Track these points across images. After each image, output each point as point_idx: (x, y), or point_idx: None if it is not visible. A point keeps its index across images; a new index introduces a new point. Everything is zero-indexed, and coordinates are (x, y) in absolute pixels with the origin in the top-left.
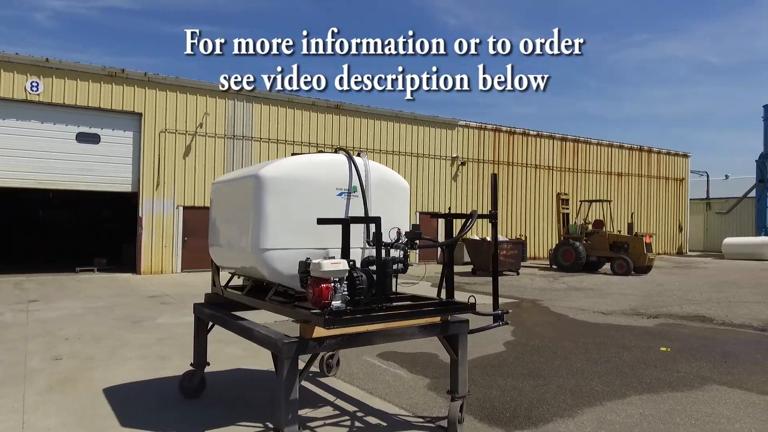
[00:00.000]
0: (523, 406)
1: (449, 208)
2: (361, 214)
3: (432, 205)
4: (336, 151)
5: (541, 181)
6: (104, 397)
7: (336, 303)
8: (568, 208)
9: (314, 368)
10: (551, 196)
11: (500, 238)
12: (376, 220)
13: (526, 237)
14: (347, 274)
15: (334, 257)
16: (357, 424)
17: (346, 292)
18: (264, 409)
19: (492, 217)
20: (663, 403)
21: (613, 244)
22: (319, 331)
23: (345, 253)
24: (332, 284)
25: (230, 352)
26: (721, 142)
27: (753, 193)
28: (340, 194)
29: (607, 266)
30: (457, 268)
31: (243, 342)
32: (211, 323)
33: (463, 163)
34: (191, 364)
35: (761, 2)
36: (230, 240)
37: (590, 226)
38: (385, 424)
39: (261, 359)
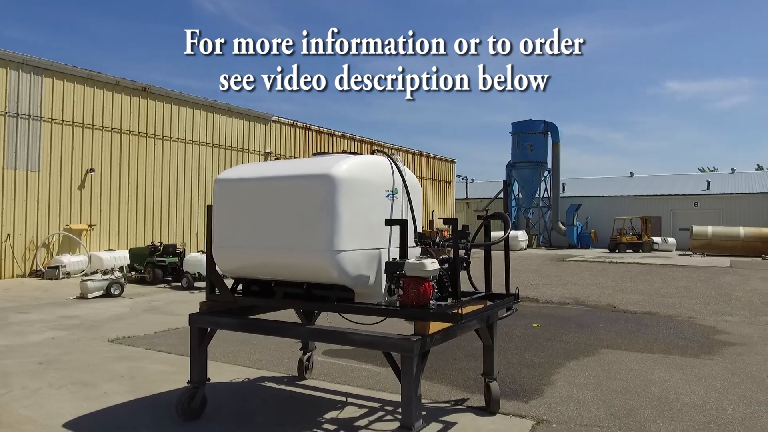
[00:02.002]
0: (508, 382)
1: None
2: (399, 215)
3: None
4: (373, 153)
5: None
6: None
7: (431, 301)
8: None
9: (281, 373)
10: None
11: None
12: (453, 222)
13: None
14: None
15: (424, 258)
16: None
17: (436, 290)
18: (282, 419)
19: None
20: (593, 366)
21: None
22: (434, 327)
23: (403, 253)
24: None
25: (157, 368)
26: (451, 149)
27: (502, 195)
28: (388, 196)
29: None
30: None
31: (159, 356)
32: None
33: (276, 159)
34: (190, 382)
35: (481, 33)
36: (274, 242)
37: None
38: (424, 412)
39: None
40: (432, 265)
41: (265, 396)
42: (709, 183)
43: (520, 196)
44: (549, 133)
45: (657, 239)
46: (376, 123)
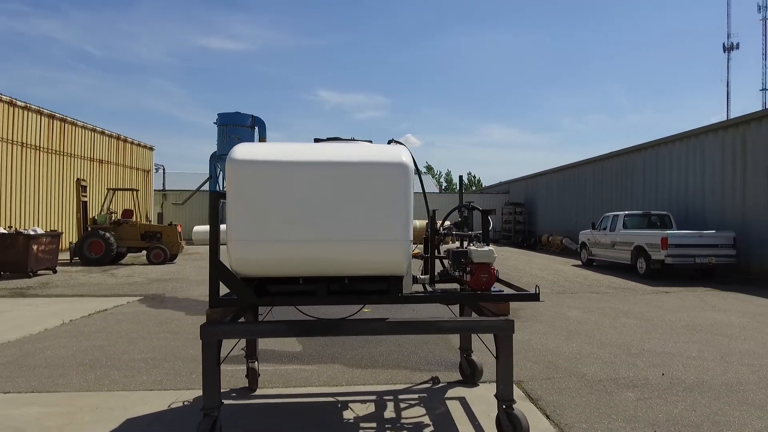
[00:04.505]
0: (438, 358)
1: None
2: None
3: None
4: (389, 143)
5: (26, 160)
6: None
7: None
8: (86, 196)
9: (230, 386)
10: (47, 178)
11: (36, 230)
12: (490, 212)
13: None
14: None
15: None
16: (407, 400)
17: None
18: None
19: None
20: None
21: (145, 234)
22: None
23: (432, 242)
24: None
25: (38, 412)
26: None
27: (206, 187)
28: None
29: (130, 256)
30: None
31: (5, 398)
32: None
33: None
34: (204, 408)
35: (139, 7)
36: (337, 234)
37: (114, 216)
38: (424, 394)
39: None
40: (495, 253)
41: (255, 412)
42: None
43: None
44: (256, 127)
45: None
46: None
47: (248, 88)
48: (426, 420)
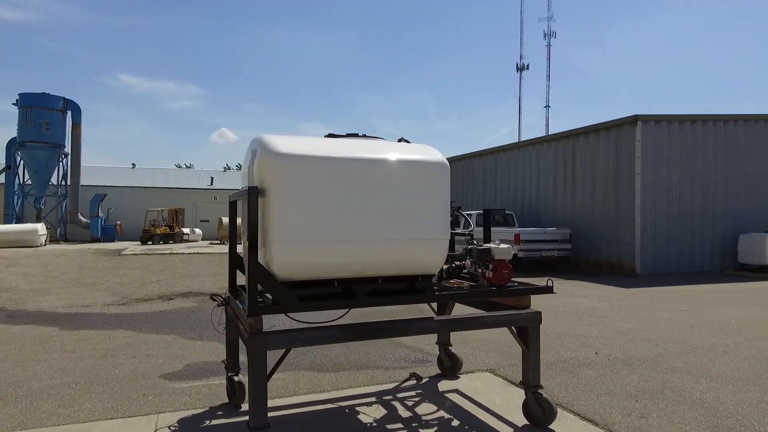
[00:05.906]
0: (405, 356)
1: None
2: None
3: None
4: (400, 141)
5: None
6: None
7: None
8: None
9: (190, 409)
10: None
11: None
12: (495, 212)
13: None
14: None
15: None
16: (409, 398)
17: None
18: None
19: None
20: None
21: None
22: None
23: (452, 242)
24: None
25: None
26: None
27: (2, 179)
28: None
29: None
30: None
31: None
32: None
33: None
34: (253, 429)
35: None
36: (388, 233)
37: None
38: (421, 390)
39: None
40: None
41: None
42: (213, 179)
43: (29, 182)
44: (69, 112)
45: (186, 230)
46: None
47: (34, 65)
48: (445, 415)
